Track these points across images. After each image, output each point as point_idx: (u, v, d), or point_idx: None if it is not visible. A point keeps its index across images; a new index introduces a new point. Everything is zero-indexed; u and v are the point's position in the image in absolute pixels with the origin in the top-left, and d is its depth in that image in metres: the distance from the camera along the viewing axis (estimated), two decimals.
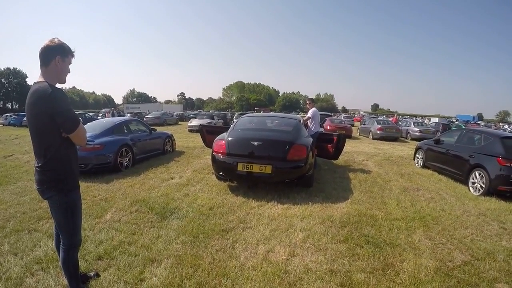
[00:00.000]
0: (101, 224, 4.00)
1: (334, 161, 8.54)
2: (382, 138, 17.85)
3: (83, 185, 5.92)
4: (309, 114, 7.76)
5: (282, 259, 3.14)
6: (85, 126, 8.25)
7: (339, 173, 7.49)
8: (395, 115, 23.05)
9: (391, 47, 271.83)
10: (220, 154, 5.43)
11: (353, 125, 27.80)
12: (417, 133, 18.86)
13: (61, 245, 2.34)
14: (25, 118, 27.31)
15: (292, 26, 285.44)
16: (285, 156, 5.15)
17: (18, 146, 12.18)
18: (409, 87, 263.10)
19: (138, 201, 4.87)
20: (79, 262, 2.84)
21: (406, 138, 19.73)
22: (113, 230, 3.75)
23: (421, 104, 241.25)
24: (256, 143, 5.25)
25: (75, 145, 2.28)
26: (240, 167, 5.12)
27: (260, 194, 5.35)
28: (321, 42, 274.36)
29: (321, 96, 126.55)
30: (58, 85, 2.16)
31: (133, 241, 3.47)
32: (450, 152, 7.50)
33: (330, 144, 7.51)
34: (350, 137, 17.91)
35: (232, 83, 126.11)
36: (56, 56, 2.10)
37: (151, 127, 9.67)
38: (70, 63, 2.23)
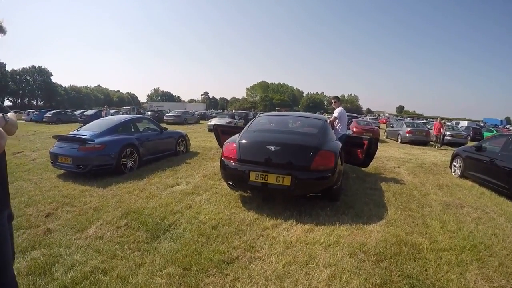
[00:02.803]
0: (81, 240, 3.36)
1: (363, 168, 7.53)
2: (412, 142, 16.68)
3: (79, 188, 5.39)
4: (336, 114, 6.77)
5: None
6: (89, 124, 7.92)
7: (370, 183, 6.47)
8: (438, 118, 16.86)
9: (416, 48, 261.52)
10: (230, 160, 4.56)
11: (379, 127, 26.39)
12: (448, 137, 17.42)
13: None
14: (46, 114, 28.29)
15: (312, 30, 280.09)
16: (309, 164, 4.20)
17: (31, 143, 11.92)
18: (433, 90, 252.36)
19: (131, 213, 4.16)
20: None
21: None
22: (91, 250, 3.11)
23: (446, 107, 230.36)
24: (273, 148, 4.32)
25: None
26: (252, 176, 4.21)
27: (277, 209, 4.47)
28: (340, 45, 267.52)
29: (346, 97, 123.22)
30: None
31: (109, 268, 2.78)
32: (495, 162, 6.33)
33: (359, 148, 6.53)
34: (377, 140, 16.75)
35: (256, 83, 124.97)
36: None
37: (165, 126, 9.08)
38: None
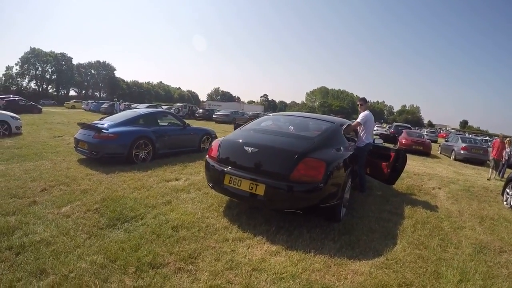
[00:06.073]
0: (51, 215, 3.61)
1: (393, 186, 6.45)
2: (466, 160, 14.60)
3: (85, 171, 5.68)
4: (359, 118, 5.77)
5: None
6: (113, 115, 8.16)
7: (393, 204, 5.38)
8: (500, 135, 11.73)
9: (483, 62, 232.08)
10: (212, 159, 4.12)
11: (435, 142, 23.90)
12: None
13: None
14: (103, 105, 30.70)
15: (375, 36, 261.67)
16: (288, 173, 3.48)
17: (76, 129, 12.76)
18: (502, 106, 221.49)
19: (108, 199, 4.20)
20: None
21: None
22: (53, 225, 3.34)
23: None
24: (250, 150, 3.74)
25: None
26: (227, 179, 3.73)
27: (256, 220, 3.93)
28: (409, 52, 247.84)
29: (407, 108, 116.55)
30: None
31: (54, 242, 2.98)
32: None
33: (385, 161, 5.72)
34: (428, 154, 15.38)
35: (316, 88, 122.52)
36: None
37: (186, 122, 8.91)
38: None
